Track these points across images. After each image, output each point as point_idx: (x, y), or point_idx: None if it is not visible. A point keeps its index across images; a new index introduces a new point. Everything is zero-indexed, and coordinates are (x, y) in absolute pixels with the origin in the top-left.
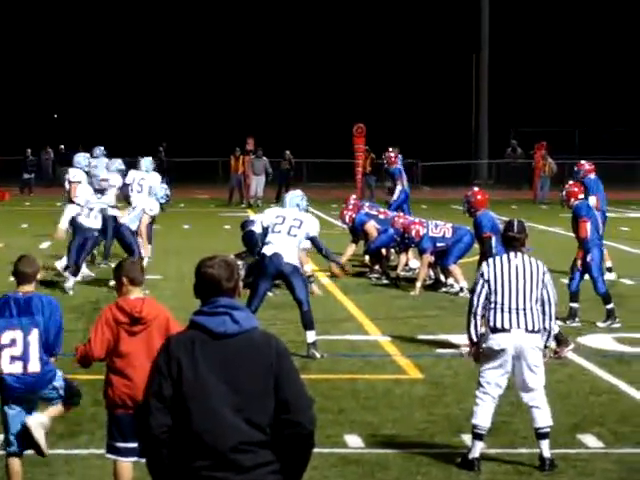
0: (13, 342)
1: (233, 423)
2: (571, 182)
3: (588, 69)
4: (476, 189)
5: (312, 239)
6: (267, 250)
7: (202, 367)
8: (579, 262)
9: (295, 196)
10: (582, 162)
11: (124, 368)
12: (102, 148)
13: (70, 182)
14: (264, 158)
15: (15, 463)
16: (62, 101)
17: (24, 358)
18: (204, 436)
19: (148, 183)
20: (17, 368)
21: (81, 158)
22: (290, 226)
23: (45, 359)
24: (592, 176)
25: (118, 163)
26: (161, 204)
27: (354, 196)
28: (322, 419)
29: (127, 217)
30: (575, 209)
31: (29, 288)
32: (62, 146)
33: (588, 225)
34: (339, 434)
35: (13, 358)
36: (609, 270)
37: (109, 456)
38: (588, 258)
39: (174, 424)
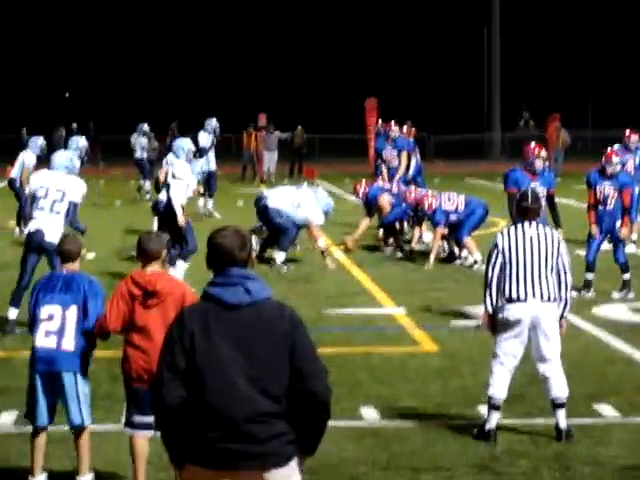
0: (51, 317)
1: (248, 394)
2: (610, 149)
3: (599, 40)
4: (533, 144)
5: (75, 205)
6: (31, 225)
7: (216, 338)
8: (625, 230)
9: (63, 156)
10: (627, 131)
11: (140, 342)
12: (146, 125)
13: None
14: (276, 132)
15: (41, 437)
16: (74, 80)
17: (59, 334)
18: (218, 407)
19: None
20: (51, 343)
21: (77, 143)
22: (53, 201)
23: (81, 340)
24: None
25: (214, 122)
26: (198, 181)
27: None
28: (337, 392)
29: (165, 194)
30: (623, 178)
31: (73, 267)
32: (74, 125)
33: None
34: (355, 407)
35: (48, 332)
36: (634, 243)
37: (126, 430)
38: (617, 224)
39: (188, 396)
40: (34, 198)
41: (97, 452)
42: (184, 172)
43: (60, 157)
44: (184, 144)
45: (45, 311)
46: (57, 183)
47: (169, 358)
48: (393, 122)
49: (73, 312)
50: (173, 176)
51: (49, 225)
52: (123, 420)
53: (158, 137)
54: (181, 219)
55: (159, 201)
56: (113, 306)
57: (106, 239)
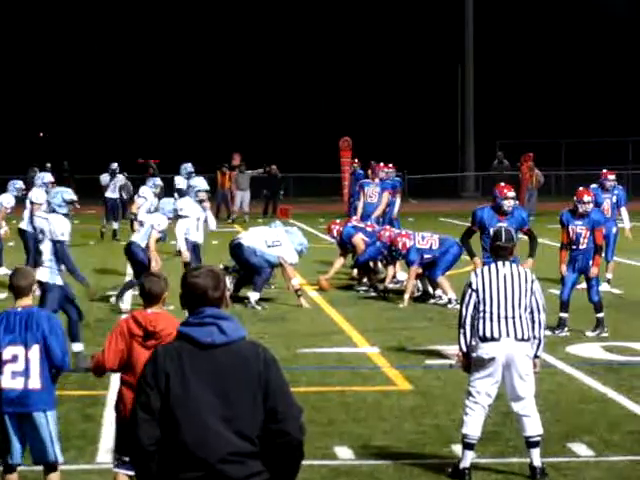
0: (15, 358)
1: (222, 434)
2: (582, 188)
3: (573, 80)
4: (502, 184)
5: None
6: None
7: (190, 378)
8: (595, 269)
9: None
10: (605, 171)
11: (136, 382)
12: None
13: (32, 203)
14: (248, 172)
15: (14, 476)
16: (48, 119)
17: (25, 374)
18: (193, 448)
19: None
20: (18, 384)
21: (44, 179)
22: (38, 242)
23: (47, 377)
24: (620, 187)
25: (189, 166)
26: (169, 218)
27: (355, 217)
28: (312, 431)
29: (137, 235)
30: (595, 216)
31: (27, 301)
32: (48, 164)
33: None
34: (329, 446)
35: (14, 374)
36: (608, 282)
37: (117, 470)
38: (590, 264)
39: (163, 436)
40: None
41: None
42: (191, 209)
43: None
44: (200, 184)
45: (8, 352)
46: (41, 224)
47: (143, 398)
48: (382, 164)
49: (35, 351)
50: (178, 215)
51: (39, 266)
52: (99, 460)
53: (131, 176)
54: (185, 254)
55: (132, 242)
56: (111, 344)
57: None
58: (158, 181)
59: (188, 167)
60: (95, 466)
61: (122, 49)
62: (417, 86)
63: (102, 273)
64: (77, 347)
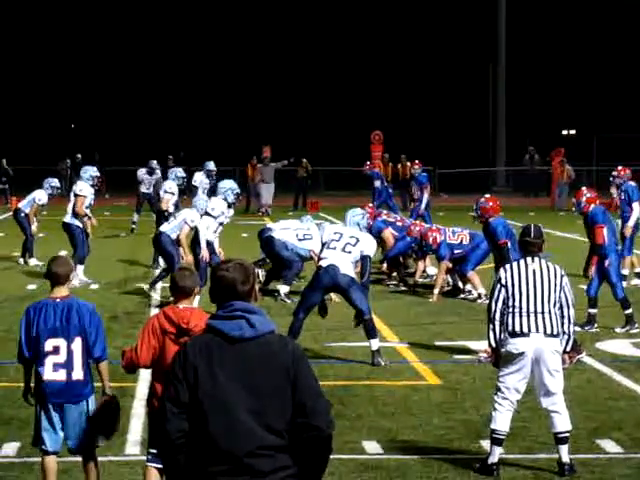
0: (56, 350)
1: (250, 428)
2: (584, 188)
3: (605, 76)
4: (488, 195)
5: (364, 258)
6: (323, 263)
7: (218, 372)
8: (593, 268)
9: (355, 215)
10: (620, 167)
11: None
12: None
13: (76, 195)
14: (272, 164)
15: (53, 463)
16: (80, 111)
17: (68, 366)
18: (221, 441)
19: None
20: (60, 376)
21: (90, 172)
22: (346, 243)
23: (88, 367)
24: (633, 183)
25: (211, 165)
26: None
27: (370, 204)
28: (340, 425)
29: (167, 226)
30: (591, 215)
31: (64, 292)
32: (79, 155)
33: (604, 231)
34: (357, 440)
35: (56, 366)
36: (638, 276)
37: (149, 464)
38: (606, 264)
39: (191, 429)
40: (323, 245)
41: None
42: (219, 209)
43: (351, 216)
44: (231, 185)
45: (49, 344)
46: (351, 232)
47: (172, 391)
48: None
49: (78, 344)
50: (206, 212)
51: (341, 261)
52: (127, 452)
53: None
54: (204, 253)
55: (161, 233)
56: (144, 341)
57: (110, 270)
58: (180, 172)
59: (210, 165)
60: (123, 458)
61: (156, 42)
62: (449, 81)
63: (131, 265)
64: None
